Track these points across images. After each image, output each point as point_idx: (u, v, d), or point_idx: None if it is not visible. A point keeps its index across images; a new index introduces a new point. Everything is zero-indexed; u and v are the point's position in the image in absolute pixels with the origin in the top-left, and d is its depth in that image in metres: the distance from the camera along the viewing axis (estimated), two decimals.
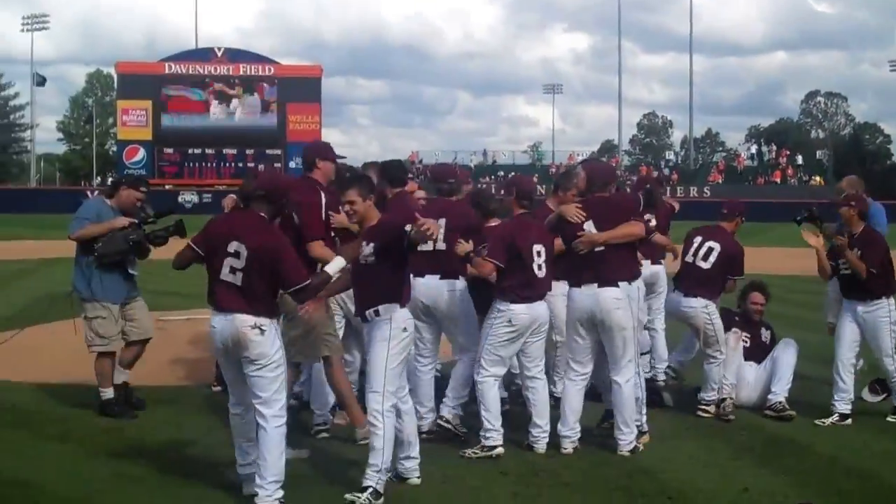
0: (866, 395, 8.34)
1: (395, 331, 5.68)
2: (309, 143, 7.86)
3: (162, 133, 58.49)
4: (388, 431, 5.61)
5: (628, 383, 6.69)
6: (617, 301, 6.60)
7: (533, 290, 6.67)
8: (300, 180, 6.89)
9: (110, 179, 73.22)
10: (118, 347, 7.67)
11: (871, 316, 7.67)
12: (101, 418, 7.44)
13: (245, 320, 5.43)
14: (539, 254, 6.68)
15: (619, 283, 6.65)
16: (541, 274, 6.68)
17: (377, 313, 5.70)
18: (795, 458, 6.69)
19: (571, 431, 6.73)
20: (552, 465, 6.45)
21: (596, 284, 6.61)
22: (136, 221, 7.59)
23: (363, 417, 6.21)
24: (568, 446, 6.70)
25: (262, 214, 5.62)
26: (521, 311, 6.64)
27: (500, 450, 6.54)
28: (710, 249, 7.88)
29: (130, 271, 7.72)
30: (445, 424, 6.97)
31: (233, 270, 5.49)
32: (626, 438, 6.66)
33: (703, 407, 7.81)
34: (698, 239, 8.01)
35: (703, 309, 7.79)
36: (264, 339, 5.45)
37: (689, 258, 7.98)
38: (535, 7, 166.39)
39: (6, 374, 7.83)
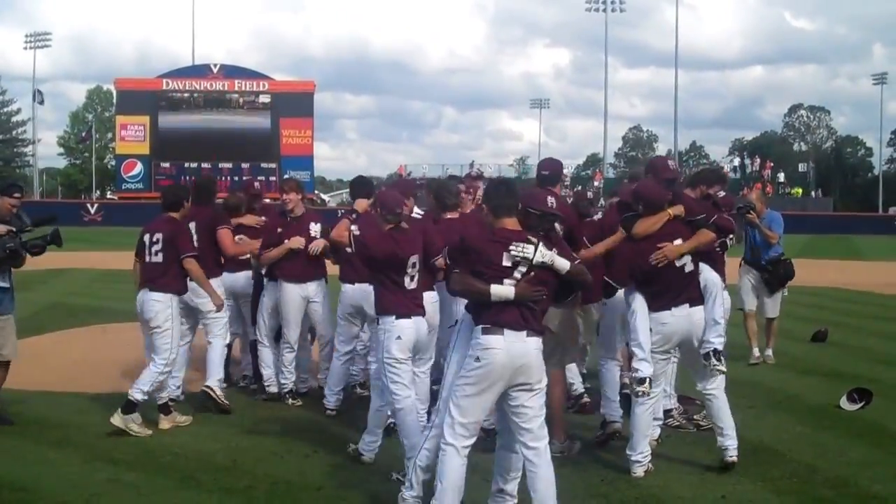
0: (844, 403, 8.48)
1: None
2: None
3: (159, 147, 58.91)
4: None
5: (724, 390, 6.65)
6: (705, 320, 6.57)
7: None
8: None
9: (108, 193, 73.82)
10: None
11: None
12: (100, 425, 7.55)
13: None
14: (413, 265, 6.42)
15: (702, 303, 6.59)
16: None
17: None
18: (773, 465, 6.78)
19: (642, 456, 6.47)
20: None
21: (687, 305, 6.49)
22: (14, 230, 7.43)
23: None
24: (639, 471, 6.45)
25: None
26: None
27: None
28: None
29: (2, 283, 7.53)
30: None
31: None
32: (733, 443, 6.57)
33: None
34: None
35: None
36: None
37: None
38: (517, 24, 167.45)
39: (9, 382, 7.96)
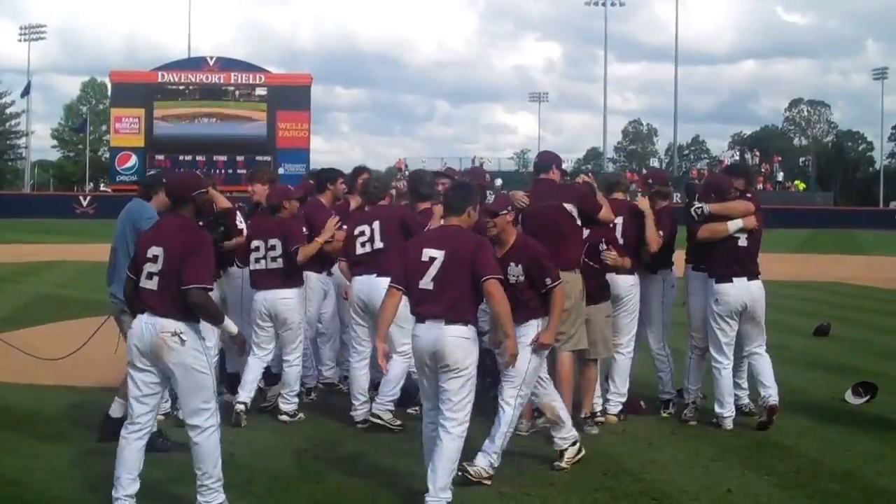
0: (849, 397, 8.43)
1: None
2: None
3: (154, 140, 58.85)
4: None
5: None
6: (762, 291, 7.53)
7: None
8: None
9: (102, 185, 73.54)
10: None
11: None
12: (94, 419, 7.44)
13: (165, 325, 5.17)
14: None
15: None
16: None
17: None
18: (779, 459, 6.75)
19: (729, 411, 7.50)
20: (538, 465, 6.52)
21: (745, 278, 7.44)
22: (210, 221, 7.13)
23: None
24: (730, 424, 7.45)
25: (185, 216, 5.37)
26: None
27: None
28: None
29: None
30: (377, 420, 7.31)
31: (149, 275, 5.21)
32: (774, 392, 7.41)
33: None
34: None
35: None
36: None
37: None
38: (508, 17, 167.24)
39: (1, 376, 7.88)
